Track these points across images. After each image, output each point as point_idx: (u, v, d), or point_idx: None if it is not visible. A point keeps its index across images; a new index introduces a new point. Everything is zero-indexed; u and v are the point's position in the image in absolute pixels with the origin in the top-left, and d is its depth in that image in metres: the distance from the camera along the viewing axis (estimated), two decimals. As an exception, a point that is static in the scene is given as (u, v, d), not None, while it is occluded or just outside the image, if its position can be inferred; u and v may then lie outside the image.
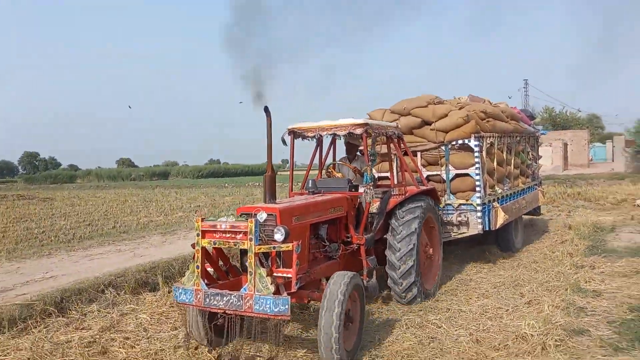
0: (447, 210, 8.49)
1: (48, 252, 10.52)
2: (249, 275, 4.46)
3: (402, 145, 7.44)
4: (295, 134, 6.73)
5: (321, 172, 7.55)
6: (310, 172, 7.38)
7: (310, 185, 6.53)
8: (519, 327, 5.26)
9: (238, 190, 31.62)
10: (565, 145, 42.53)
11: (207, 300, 4.59)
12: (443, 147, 8.51)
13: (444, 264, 7.78)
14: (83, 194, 34.08)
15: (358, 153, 7.65)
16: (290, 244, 4.58)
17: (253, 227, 4.49)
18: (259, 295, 4.36)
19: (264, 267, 4.70)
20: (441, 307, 6.49)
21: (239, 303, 4.45)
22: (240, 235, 4.59)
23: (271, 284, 4.37)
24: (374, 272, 6.36)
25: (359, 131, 6.20)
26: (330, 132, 6.46)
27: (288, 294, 4.47)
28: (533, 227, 12.52)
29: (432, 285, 7.08)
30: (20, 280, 7.93)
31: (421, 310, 6.36)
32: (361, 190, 6.38)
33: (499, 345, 4.97)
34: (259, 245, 4.52)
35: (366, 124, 6.22)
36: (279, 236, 4.68)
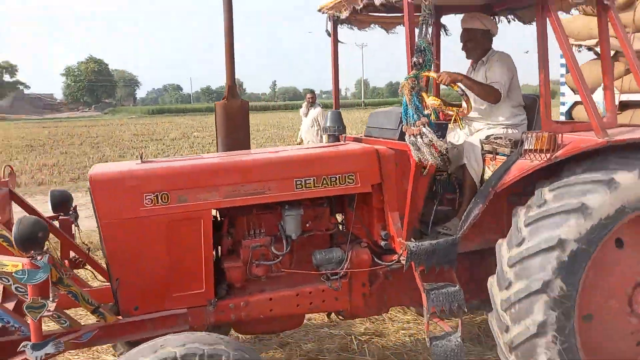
0: None
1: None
2: None
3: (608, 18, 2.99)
4: (334, 18, 3.49)
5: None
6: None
7: (329, 123, 3.29)
8: None
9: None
10: None
11: None
12: None
13: None
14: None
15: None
16: (20, 261, 2.00)
17: None
18: None
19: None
20: None
21: None
22: None
23: None
24: (460, 319, 2.85)
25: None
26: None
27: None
28: None
29: None
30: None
31: None
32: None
33: None
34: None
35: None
36: None
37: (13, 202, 2.80)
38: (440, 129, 2.87)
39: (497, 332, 2.70)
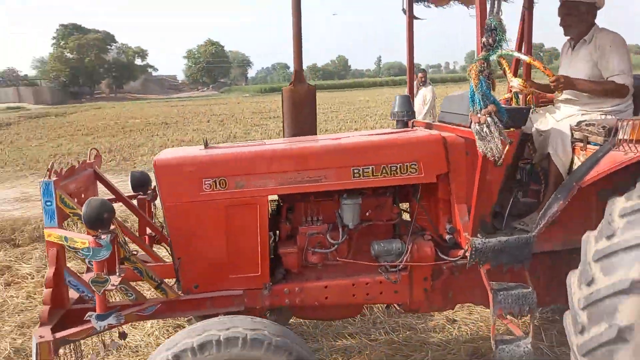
0: None
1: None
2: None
3: None
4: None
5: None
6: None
7: (396, 109, 3.12)
8: None
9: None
10: None
11: None
12: None
13: None
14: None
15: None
16: (87, 239, 2.21)
17: (42, 195, 2.42)
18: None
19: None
20: None
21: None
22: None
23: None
24: (531, 321, 2.65)
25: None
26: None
27: None
28: None
29: None
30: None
31: None
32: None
33: None
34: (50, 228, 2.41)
35: None
36: None
37: (98, 183, 3.07)
38: (521, 115, 2.62)
39: (571, 334, 2.40)
